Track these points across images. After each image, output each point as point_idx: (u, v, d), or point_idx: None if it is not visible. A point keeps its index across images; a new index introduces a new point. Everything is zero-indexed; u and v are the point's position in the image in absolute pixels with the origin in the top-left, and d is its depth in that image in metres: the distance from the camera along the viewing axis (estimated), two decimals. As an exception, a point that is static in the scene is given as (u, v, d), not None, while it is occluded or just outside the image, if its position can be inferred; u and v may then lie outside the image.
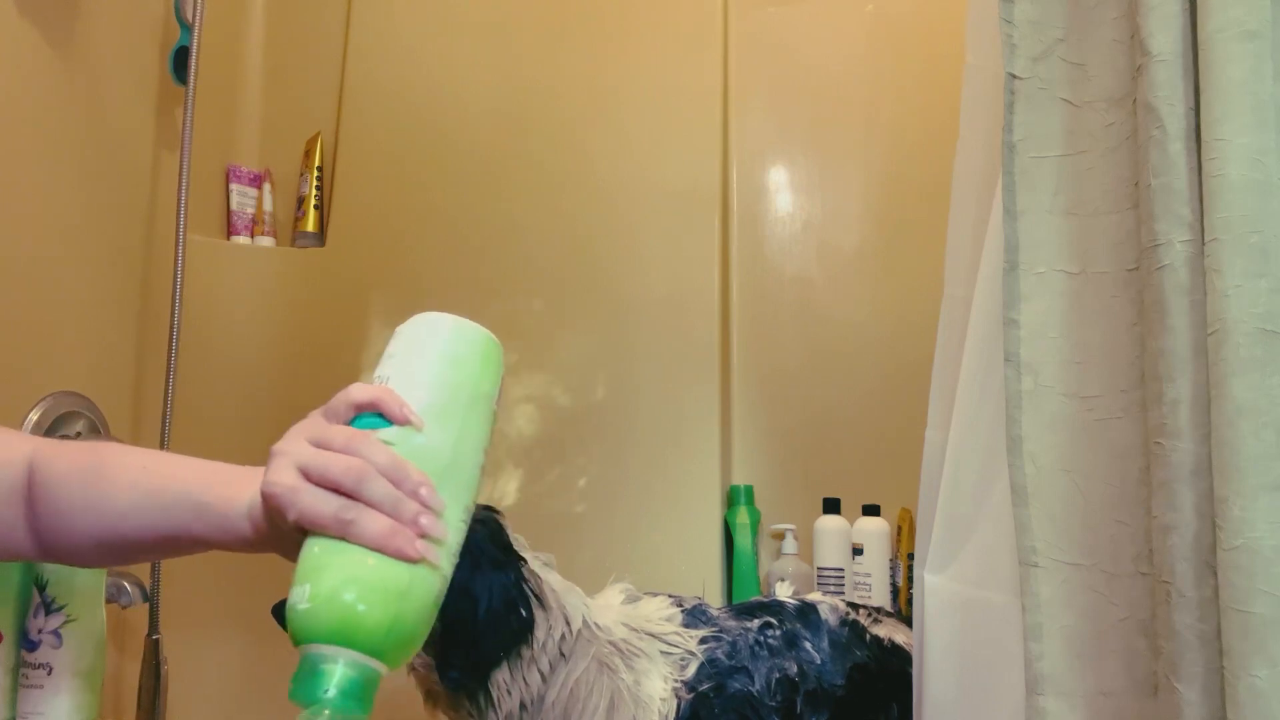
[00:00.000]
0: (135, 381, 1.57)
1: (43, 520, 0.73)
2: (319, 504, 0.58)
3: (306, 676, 0.55)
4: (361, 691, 0.55)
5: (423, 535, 0.59)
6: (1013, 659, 0.83)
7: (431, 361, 0.66)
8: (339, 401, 0.64)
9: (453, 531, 0.62)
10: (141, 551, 0.74)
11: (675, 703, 1.01)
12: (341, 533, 0.58)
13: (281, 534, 0.62)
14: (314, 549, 0.59)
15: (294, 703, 0.55)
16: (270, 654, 1.71)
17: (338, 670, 0.55)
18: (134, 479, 0.71)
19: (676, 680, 1.02)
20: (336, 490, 0.59)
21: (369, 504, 0.58)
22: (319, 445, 0.61)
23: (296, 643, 0.57)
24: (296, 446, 0.61)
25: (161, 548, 0.72)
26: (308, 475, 0.59)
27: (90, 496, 0.72)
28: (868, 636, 1.12)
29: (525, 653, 0.99)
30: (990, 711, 0.90)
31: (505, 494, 1.64)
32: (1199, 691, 0.70)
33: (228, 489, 0.67)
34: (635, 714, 1.00)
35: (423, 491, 0.60)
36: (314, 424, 0.64)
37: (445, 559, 0.61)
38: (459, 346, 0.67)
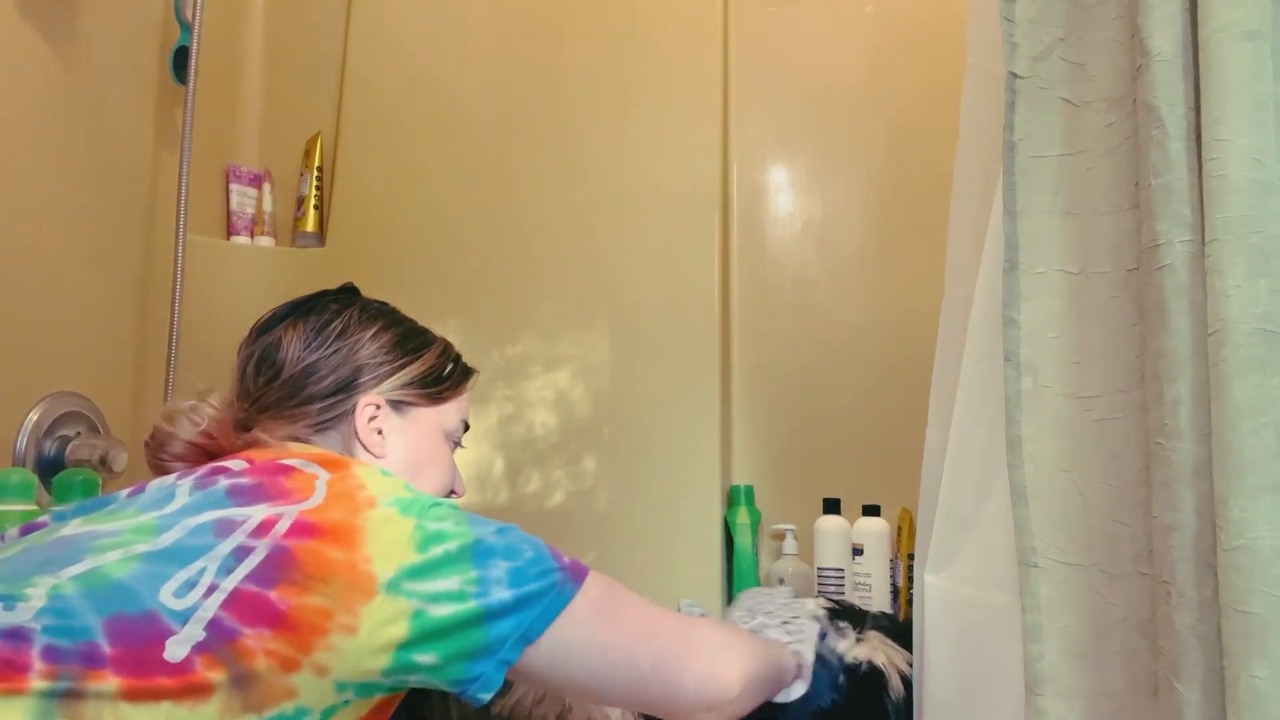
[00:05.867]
0: (135, 381, 1.57)
1: None
2: None
3: None
4: None
5: None
6: (1013, 659, 0.83)
7: None
8: None
9: None
10: None
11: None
12: None
13: None
14: None
15: None
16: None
17: None
18: None
19: None
20: None
21: None
22: None
23: None
24: None
25: None
26: None
27: None
28: (840, 679, 1.02)
29: None
30: (990, 711, 0.90)
31: (505, 492, 1.64)
32: (1199, 692, 0.70)
33: None
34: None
35: None
36: None
37: None
38: None
